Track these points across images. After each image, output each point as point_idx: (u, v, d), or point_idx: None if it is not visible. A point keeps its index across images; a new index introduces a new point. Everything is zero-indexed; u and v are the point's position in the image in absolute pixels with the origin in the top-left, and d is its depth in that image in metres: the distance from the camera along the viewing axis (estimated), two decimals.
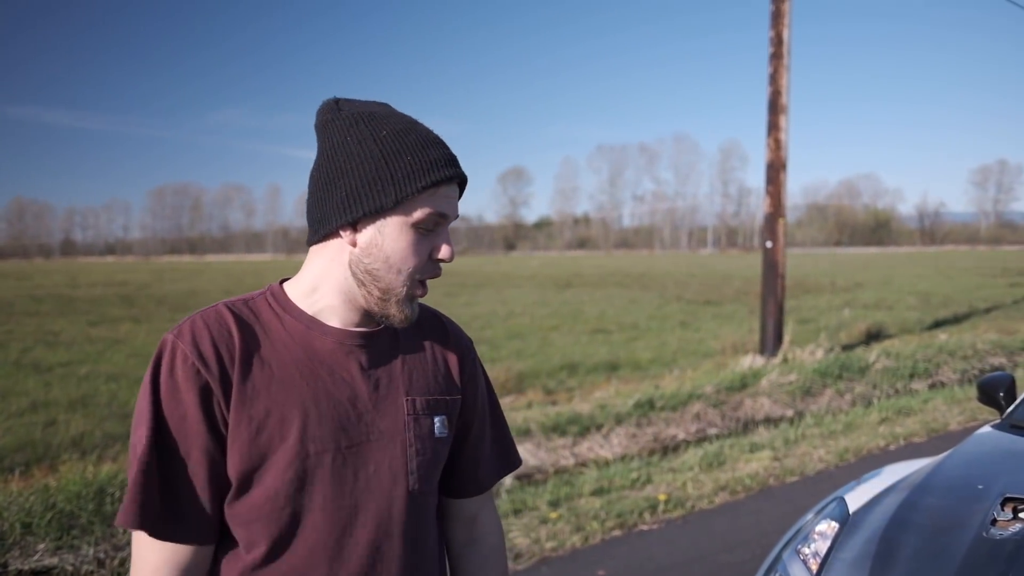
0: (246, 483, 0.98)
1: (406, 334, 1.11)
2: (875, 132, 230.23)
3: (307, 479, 0.98)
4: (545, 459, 5.94)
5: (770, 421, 6.96)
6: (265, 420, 0.97)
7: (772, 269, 8.26)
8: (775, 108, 8.04)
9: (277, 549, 0.99)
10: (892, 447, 5.77)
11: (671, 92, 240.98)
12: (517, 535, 3.95)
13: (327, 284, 1.04)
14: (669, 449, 6.13)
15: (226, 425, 0.97)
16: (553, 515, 4.23)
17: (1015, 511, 1.88)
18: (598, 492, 4.66)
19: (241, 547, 1.00)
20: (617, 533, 3.94)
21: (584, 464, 5.73)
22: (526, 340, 12.08)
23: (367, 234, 1.00)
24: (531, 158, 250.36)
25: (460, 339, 1.19)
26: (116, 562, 3.95)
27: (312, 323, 1.03)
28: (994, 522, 1.81)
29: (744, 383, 7.57)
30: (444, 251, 1.03)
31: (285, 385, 0.99)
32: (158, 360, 0.98)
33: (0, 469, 5.37)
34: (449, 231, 1.05)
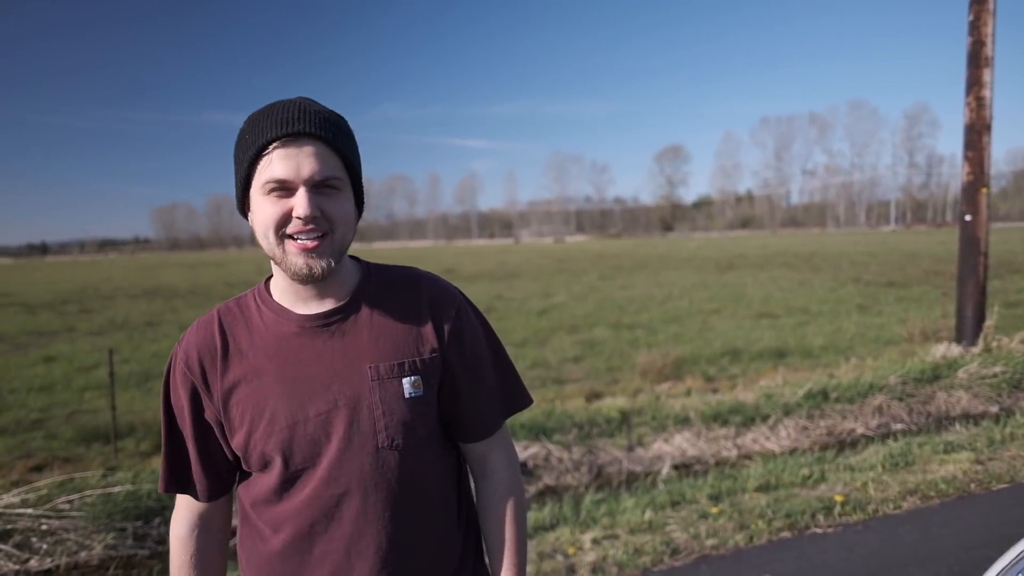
0: (245, 457, 1.18)
1: (376, 304, 1.21)
2: None
3: (288, 447, 1.14)
4: (705, 449, 5.58)
5: (969, 418, 6.12)
6: (246, 405, 1.16)
7: (972, 245, 7.25)
8: (977, 61, 7.00)
9: (266, 508, 1.19)
10: None
11: (843, 56, 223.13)
12: (674, 528, 3.68)
13: (274, 269, 1.21)
14: (846, 445, 5.55)
15: (215, 416, 1.19)
16: (714, 510, 3.90)
17: None
18: (764, 488, 4.26)
19: (249, 512, 1.23)
20: (786, 535, 3.54)
21: (748, 457, 5.32)
22: (684, 324, 11.58)
23: (251, 213, 1.16)
24: (689, 135, 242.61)
25: (438, 300, 1.24)
26: None
27: (280, 311, 1.20)
28: None
29: (936, 374, 6.72)
30: (298, 209, 1.09)
31: (259, 371, 1.16)
32: (169, 363, 1.24)
33: None
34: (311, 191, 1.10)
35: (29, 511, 4.10)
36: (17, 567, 3.80)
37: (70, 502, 4.26)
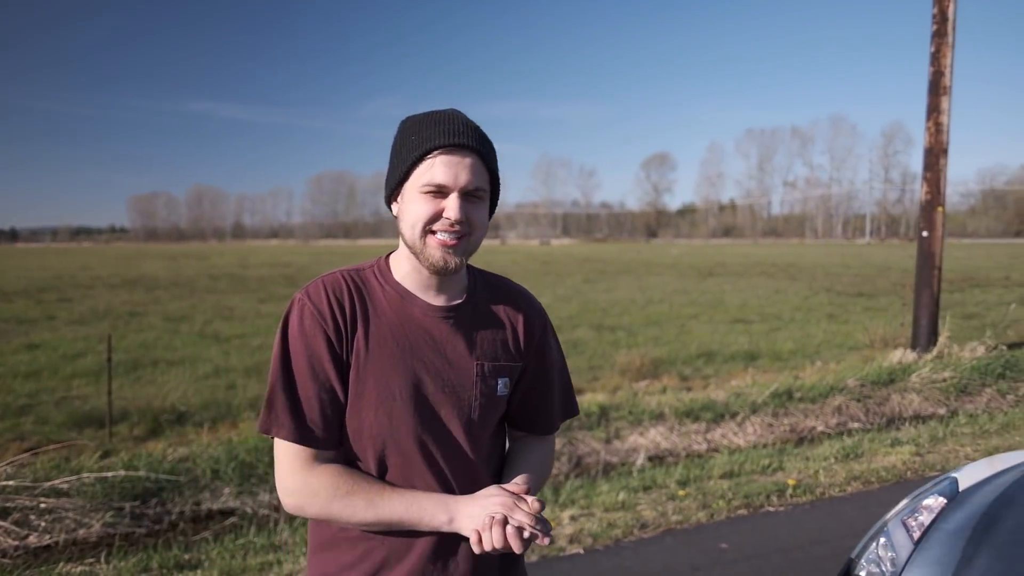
0: (353, 415, 1.26)
1: (483, 308, 1.37)
2: None
3: (394, 416, 1.25)
4: (677, 443, 6.03)
5: (919, 418, 6.64)
6: (365, 371, 1.25)
7: (928, 260, 7.81)
8: (936, 89, 7.56)
9: (380, 462, 1.27)
10: None
11: (827, 72, 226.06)
12: (645, 508, 4.14)
13: (403, 253, 1.33)
14: (806, 440, 6.04)
15: (343, 365, 1.26)
16: (681, 492, 4.37)
17: None
18: (727, 475, 4.73)
19: (357, 459, 1.28)
20: (743, 512, 4.04)
21: (716, 450, 5.78)
22: (663, 328, 12.06)
23: (399, 204, 1.30)
24: (675, 143, 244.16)
25: (531, 314, 1.42)
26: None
27: (404, 294, 1.31)
28: None
29: (892, 378, 7.25)
30: (450, 212, 1.23)
31: (381, 345, 1.26)
32: (289, 311, 1.28)
33: (191, 423, 6.21)
34: (460, 198, 1.24)
35: (27, 487, 4.15)
36: (16, 543, 3.89)
37: (68, 482, 4.34)
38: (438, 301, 1.32)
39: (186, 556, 3.64)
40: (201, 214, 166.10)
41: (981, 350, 8.08)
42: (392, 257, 1.37)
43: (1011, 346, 8.81)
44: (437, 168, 1.22)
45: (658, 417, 6.30)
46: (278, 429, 1.23)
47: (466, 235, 1.26)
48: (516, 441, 1.48)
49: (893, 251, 52.26)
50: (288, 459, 1.25)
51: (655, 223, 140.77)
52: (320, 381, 1.24)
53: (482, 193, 1.26)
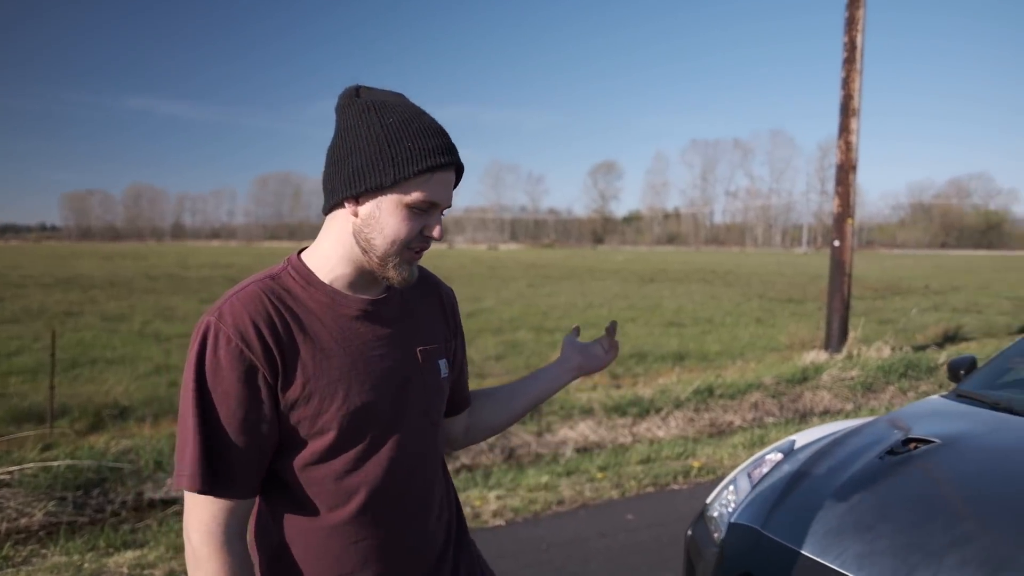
0: (312, 437, 1.15)
1: (409, 295, 1.32)
2: (987, 129, 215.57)
3: (362, 427, 1.18)
4: (605, 436, 6.42)
5: (828, 413, 7.19)
6: (316, 387, 1.14)
7: (839, 268, 8.44)
8: (847, 111, 8.20)
9: (341, 482, 1.18)
10: None
11: (768, 87, 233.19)
12: (565, 488, 4.51)
13: (337, 254, 1.20)
14: (725, 434, 6.50)
15: (274, 398, 1.12)
16: (600, 476, 4.76)
17: (912, 446, 2.33)
18: (643, 461, 5.14)
19: (304, 491, 1.17)
20: (651, 490, 4.48)
21: (639, 442, 6.18)
22: (600, 330, 12.48)
23: (367, 208, 1.15)
24: (622, 152, 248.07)
25: (448, 293, 1.44)
26: None
27: (335, 294, 1.20)
28: (891, 452, 2.24)
29: (805, 376, 7.81)
30: (435, 231, 1.18)
31: (327, 353, 1.16)
32: (202, 340, 1.10)
33: (134, 419, 6.32)
34: (442, 215, 1.21)
35: None
36: None
37: (10, 473, 4.40)
38: (367, 295, 1.24)
39: (132, 536, 3.84)
40: (139, 213, 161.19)
41: (887, 351, 8.74)
42: (307, 256, 1.24)
43: (916, 348, 9.53)
44: (435, 186, 1.15)
45: (587, 412, 6.67)
46: (180, 479, 1.10)
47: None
48: (472, 411, 1.53)
49: (827, 260, 54.25)
50: (198, 515, 1.11)
51: (602, 230, 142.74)
52: (242, 422, 1.11)
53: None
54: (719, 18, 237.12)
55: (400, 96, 1.20)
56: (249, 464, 1.12)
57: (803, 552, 1.91)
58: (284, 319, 1.14)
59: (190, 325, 12.38)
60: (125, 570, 3.42)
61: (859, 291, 18.32)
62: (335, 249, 1.20)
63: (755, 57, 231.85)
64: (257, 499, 1.21)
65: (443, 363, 1.33)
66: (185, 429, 1.10)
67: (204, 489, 1.09)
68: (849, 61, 8.06)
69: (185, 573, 3.30)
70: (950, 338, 10.80)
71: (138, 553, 3.60)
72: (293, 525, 1.19)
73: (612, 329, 1.56)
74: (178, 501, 4.74)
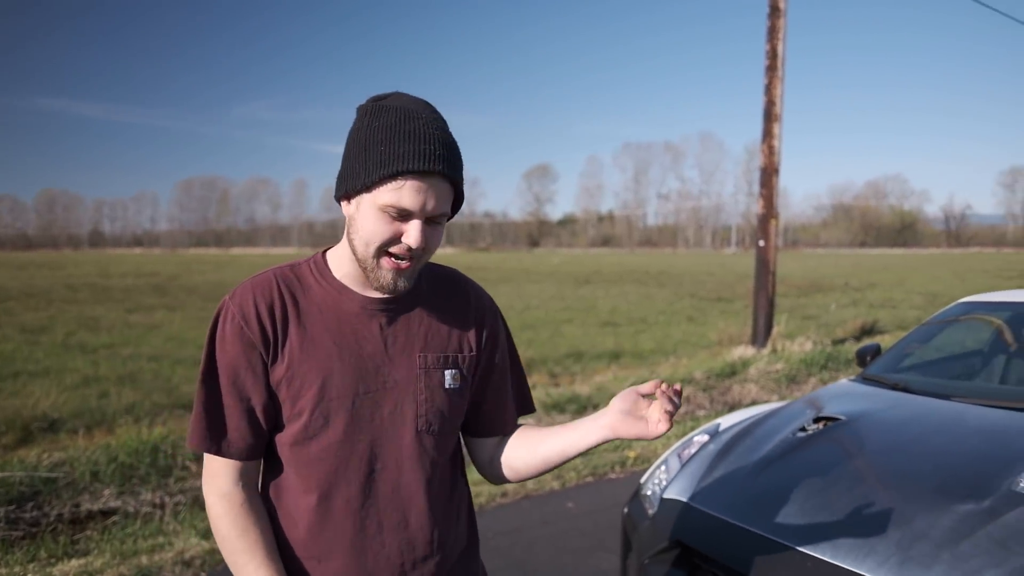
0: (291, 419, 1.21)
1: (428, 299, 1.30)
2: (902, 133, 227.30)
3: (330, 417, 1.20)
4: None
5: (755, 404, 7.54)
6: (297, 371, 1.20)
7: (764, 266, 8.87)
8: (769, 117, 8.63)
9: (313, 467, 1.21)
10: None
11: (697, 91, 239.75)
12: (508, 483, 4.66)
13: (346, 252, 1.24)
14: None
15: (267, 374, 1.20)
16: None
17: (822, 424, 2.59)
18: (583, 454, 5.33)
19: (288, 469, 1.24)
20: (589, 479, 4.70)
21: None
22: (538, 331, 12.73)
23: (352, 207, 1.19)
24: (557, 155, 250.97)
25: (482, 304, 1.36)
26: (171, 505, 4.66)
27: (342, 289, 1.24)
28: (803, 429, 2.51)
29: (734, 370, 8.18)
30: (410, 238, 1.14)
31: (316, 343, 1.20)
32: (216, 317, 1.22)
33: (65, 431, 6.16)
34: (423, 223, 1.15)
35: None
36: None
37: None
38: (376, 294, 1.25)
39: (75, 547, 3.80)
40: (53, 220, 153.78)
41: (809, 345, 9.23)
42: (331, 254, 1.30)
43: (836, 342, 10.08)
44: (405, 193, 1.12)
45: None
46: (191, 438, 1.21)
47: (419, 257, 1.20)
48: (502, 448, 1.40)
49: (754, 260, 56.14)
50: (212, 468, 1.23)
51: (537, 232, 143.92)
52: (239, 390, 1.20)
53: (443, 218, 1.18)
54: (650, 24, 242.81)
55: (420, 103, 1.19)
56: (243, 428, 1.21)
57: (727, 519, 2.13)
58: (284, 305, 1.22)
59: (117, 335, 12.01)
60: None
61: (784, 289, 19.14)
62: (345, 247, 1.25)
63: (685, 62, 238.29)
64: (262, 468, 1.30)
65: (450, 373, 1.28)
66: (196, 394, 1.22)
67: (202, 445, 1.20)
68: (771, 69, 8.50)
69: None
70: (867, 331, 11.44)
71: (83, 561, 3.57)
72: (278, 497, 1.26)
73: (677, 394, 1.22)
74: (117, 512, 4.68)
